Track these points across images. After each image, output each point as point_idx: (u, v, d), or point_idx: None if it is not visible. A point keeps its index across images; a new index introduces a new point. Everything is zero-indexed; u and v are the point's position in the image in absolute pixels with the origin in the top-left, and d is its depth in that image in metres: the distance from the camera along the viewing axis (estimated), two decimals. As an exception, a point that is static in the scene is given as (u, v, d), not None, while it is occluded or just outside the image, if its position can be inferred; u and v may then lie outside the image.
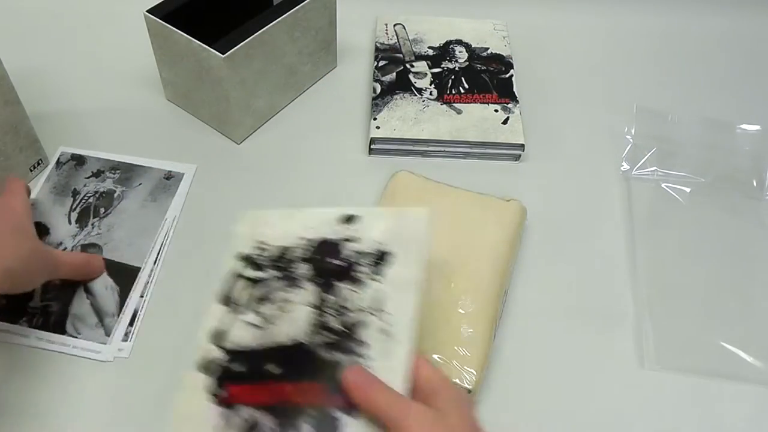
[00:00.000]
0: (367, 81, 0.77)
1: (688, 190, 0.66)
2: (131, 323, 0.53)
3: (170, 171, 0.64)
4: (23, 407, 0.49)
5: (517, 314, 0.57)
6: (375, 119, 0.69)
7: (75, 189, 0.62)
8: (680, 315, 0.57)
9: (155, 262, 0.57)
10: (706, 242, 0.63)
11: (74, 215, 0.60)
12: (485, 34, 0.81)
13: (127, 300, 0.55)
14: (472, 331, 0.51)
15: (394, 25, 0.81)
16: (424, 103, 0.71)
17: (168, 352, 0.52)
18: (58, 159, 0.64)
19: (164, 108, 0.73)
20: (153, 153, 0.67)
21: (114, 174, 0.63)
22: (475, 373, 0.49)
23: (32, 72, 0.75)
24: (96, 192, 0.62)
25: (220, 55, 0.60)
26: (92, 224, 0.59)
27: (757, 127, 0.71)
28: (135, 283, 0.56)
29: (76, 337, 0.52)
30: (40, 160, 0.65)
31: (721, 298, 0.58)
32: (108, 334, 0.52)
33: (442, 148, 0.69)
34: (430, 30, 0.81)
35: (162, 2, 0.66)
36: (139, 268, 0.57)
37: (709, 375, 0.53)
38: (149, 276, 0.56)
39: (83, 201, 0.60)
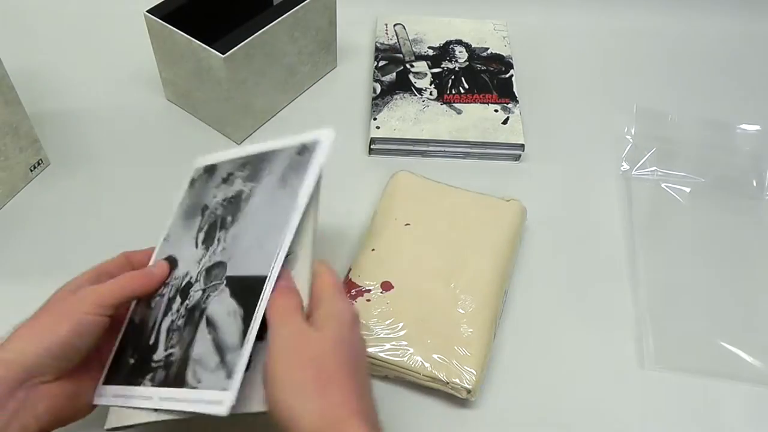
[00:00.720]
0: (367, 81, 0.77)
1: (688, 190, 0.66)
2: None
3: (304, 143, 0.45)
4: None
5: (517, 314, 0.57)
6: (375, 119, 0.69)
7: (205, 205, 0.48)
8: (680, 315, 0.57)
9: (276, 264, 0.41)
10: (706, 242, 0.63)
11: (201, 236, 0.46)
12: (485, 34, 0.81)
13: (251, 323, 0.39)
14: (472, 331, 0.51)
15: (394, 25, 0.81)
16: (424, 103, 0.71)
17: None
18: (193, 177, 0.52)
19: (164, 108, 0.73)
20: (153, 153, 0.68)
21: (243, 171, 0.48)
22: (475, 373, 0.49)
23: (32, 72, 0.75)
24: (224, 199, 0.47)
25: (220, 55, 0.60)
26: (217, 239, 0.45)
27: (757, 127, 0.71)
28: (259, 300, 0.39)
29: (196, 387, 0.39)
30: (41, 160, 0.65)
31: (721, 298, 0.58)
32: (229, 375, 0.38)
33: (442, 148, 0.69)
34: (430, 30, 0.81)
35: (162, 2, 0.66)
36: (264, 277, 0.40)
37: (709, 375, 0.53)
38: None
39: (211, 215, 0.47)
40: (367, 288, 0.54)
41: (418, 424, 0.50)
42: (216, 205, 0.48)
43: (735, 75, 0.82)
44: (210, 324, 0.41)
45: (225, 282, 0.42)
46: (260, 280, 0.40)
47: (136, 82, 0.75)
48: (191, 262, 0.46)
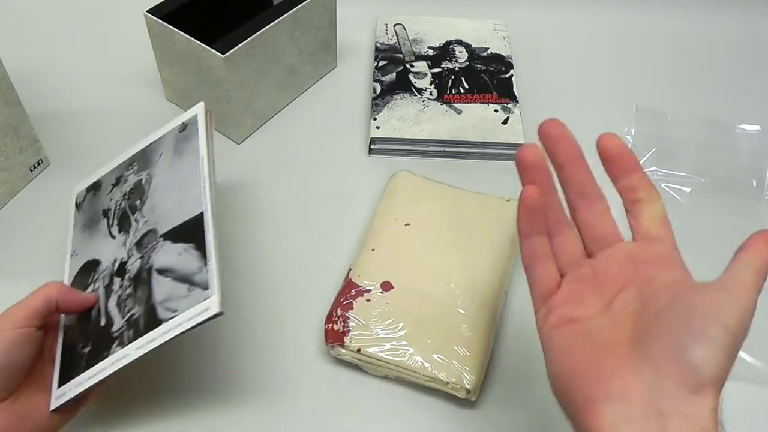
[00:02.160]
0: (367, 81, 0.77)
1: (688, 190, 0.66)
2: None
3: (183, 123, 0.55)
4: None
5: (517, 314, 0.57)
6: (375, 119, 0.69)
7: (103, 210, 0.54)
8: (680, 315, 0.57)
9: (212, 201, 0.48)
10: (706, 242, 0.62)
11: (114, 229, 0.52)
12: (485, 34, 0.81)
13: (207, 246, 0.46)
14: (472, 332, 0.51)
15: (394, 25, 0.81)
16: (424, 103, 0.71)
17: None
18: (77, 202, 0.57)
19: (164, 108, 0.73)
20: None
21: (132, 168, 0.55)
22: (475, 373, 0.49)
23: (32, 72, 0.75)
24: (124, 194, 0.54)
25: (220, 55, 0.60)
26: (135, 220, 0.51)
27: (757, 127, 0.71)
28: (206, 228, 0.46)
29: (175, 316, 0.44)
30: (41, 160, 0.65)
31: (721, 298, 0.58)
32: (206, 287, 0.44)
33: (442, 148, 0.69)
34: (430, 30, 0.81)
35: (162, 2, 0.66)
36: (201, 213, 0.47)
37: (709, 375, 0.53)
38: (214, 215, 0.47)
39: (116, 211, 0.53)
40: (367, 288, 0.54)
41: (418, 424, 0.50)
42: (117, 201, 0.53)
43: (735, 75, 0.82)
44: (162, 272, 0.47)
45: (162, 239, 0.48)
46: (198, 217, 0.47)
47: (136, 82, 0.75)
48: (114, 250, 0.50)
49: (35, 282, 0.53)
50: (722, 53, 0.85)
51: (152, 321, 0.44)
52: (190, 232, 0.47)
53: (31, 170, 0.64)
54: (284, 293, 0.57)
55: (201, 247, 0.46)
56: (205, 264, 0.45)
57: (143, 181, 0.52)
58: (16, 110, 0.60)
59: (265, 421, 0.50)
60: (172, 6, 0.66)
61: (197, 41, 0.62)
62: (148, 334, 0.44)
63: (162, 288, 0.46)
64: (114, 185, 0.55)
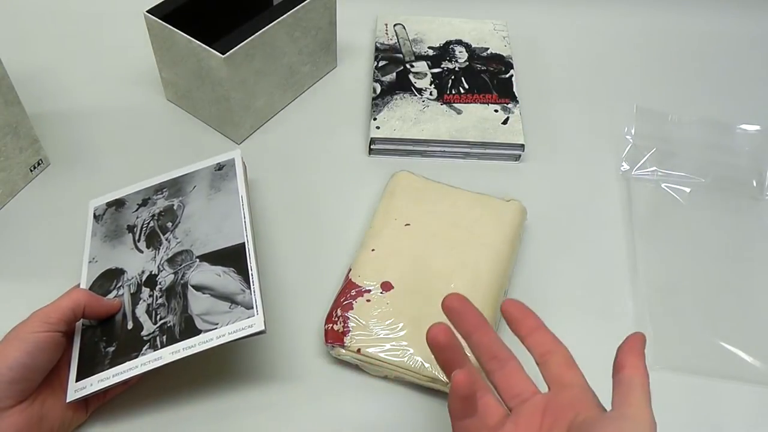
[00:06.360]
0: (367, 81, 0.77)
1: (688, 190, 0.66)
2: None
3: (219, 163, 0.60)
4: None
5: (517, 314, 0.57)
6: (375, 119, 0.69)
7: (128, 225, 0.57)
8: (680, 315, 0.57)
9: (252, 234, 0.53)
10: (706, 242, 0.63)
11: (142, 244, 0.55)
12: (485, 34, 0.81)
13: (251, 272, 0.50)
14: (472, 331, 0.51)
15: (394, 25, 0.81)
16: (424, 103, 0.71)
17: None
18: (95, 214, 0.59)
19: (164, 108, 0.73)
20: (153, 153, 0.68)
21: (161, 194, 0.59)
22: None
23: (32, 72, 0.75)
24: (153, 215, 0.57)
25: (220, 55, 0.60)
26: (167, 239, 0.54)
27: (757, 127, 0.71)
28: (248, 256, 0.51)
29: (216, 328, 0.47)
30: (41, 160, 0.65)
31: (721, 298, 0.58)
32: (249, 307, 0.47)
33: (442, 148, 0.69)
34: (430, 30, 0.81)
35: (162, 2, 0.66)
36: (243, 243, 0.52)
37: (709, 375, 0.53)
38: (254, 246, 0.52)
39: (144, 229, 0.56)
40: (367, 288, 0.54)
41: (418, 424, 0.50)
42: (146, 220, 0.57)
43: (735, 75, 0.82)
44: (199, 289, 0.50)
45: (198, 260, 0.52)
46: (238, 246, 0.52)
47: (136, 82, 0.75)
48: (142, 263, 0.53)
49: (35, 282, 0.53)
50: (722, 53, 0.85)
51: (189, 330, 0.47)
52: (231, 258, 0.51)
53: (31, 170, 0.64)
54: (284, 293, 0.57)
55: (242, 272, 0.50)
56: (248, 287, 0.49)
57: (175, 207, 0.57)
58: (16, 110, 0.60)
59: (265, 420, 0.50)
60: (172, 6, 0.66)
61: (197, 41, 0.62)
62: (185, 341, 0.46)
63: (199, 303, 0.49)
64: (140, 205, 0.58)
